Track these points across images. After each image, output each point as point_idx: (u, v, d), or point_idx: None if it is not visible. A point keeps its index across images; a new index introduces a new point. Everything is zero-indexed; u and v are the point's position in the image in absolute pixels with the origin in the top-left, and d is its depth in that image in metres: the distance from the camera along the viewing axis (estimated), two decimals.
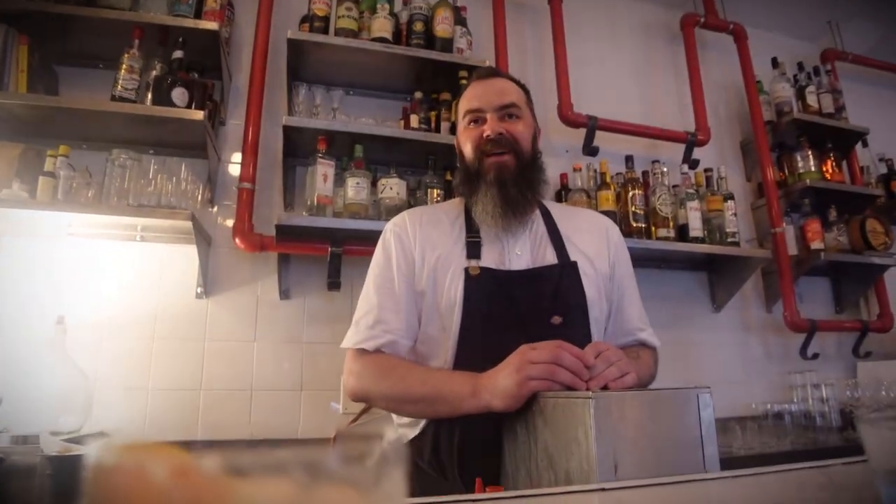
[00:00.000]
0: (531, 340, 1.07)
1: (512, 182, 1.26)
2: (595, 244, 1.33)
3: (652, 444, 0.94)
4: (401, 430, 1.32)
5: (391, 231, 1.34)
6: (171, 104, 1.92)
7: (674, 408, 0.96)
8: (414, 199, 2.11)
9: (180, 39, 2.02)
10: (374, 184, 2.06)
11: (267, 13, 2.27)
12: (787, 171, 2.94)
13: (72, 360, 1.89)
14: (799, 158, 2.86)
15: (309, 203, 1.97)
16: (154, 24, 2.00)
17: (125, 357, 1.97)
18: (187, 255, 2.03)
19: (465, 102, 1.36)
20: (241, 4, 2.34)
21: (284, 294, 2.08)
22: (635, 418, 0.93)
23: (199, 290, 2.02)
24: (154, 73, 2.00)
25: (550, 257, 1.27)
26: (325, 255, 1.99)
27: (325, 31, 2.20)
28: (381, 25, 2.22)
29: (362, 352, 1.22)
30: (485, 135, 1.29)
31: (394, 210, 2.00)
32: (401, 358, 1.23)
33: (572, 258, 1.27)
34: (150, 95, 1.97)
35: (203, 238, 2.00)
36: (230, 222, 2.09)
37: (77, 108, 1.88)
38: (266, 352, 2.06)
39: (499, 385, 1.04)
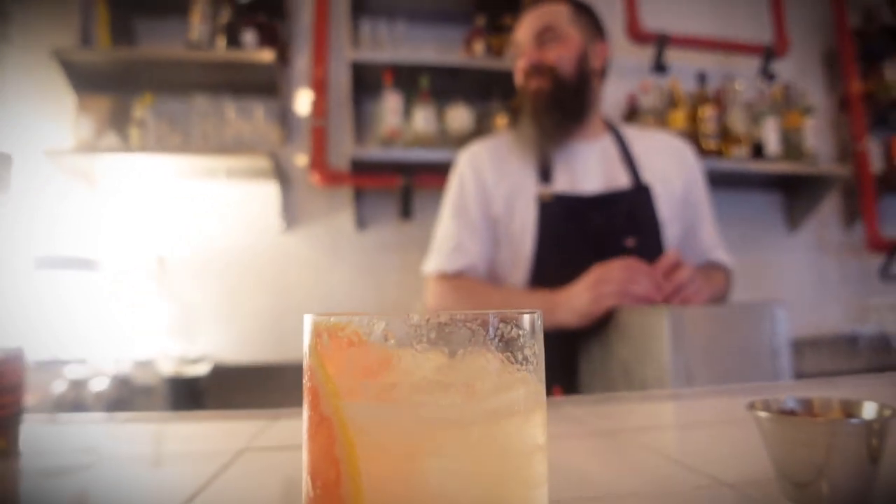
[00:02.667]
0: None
1: (546, 108, 1.27)
2: (669, 166, 1.34)
3: (725, 356, 0.99)
4: None
5: (465, 160, 1.39)
6: (242, 47, 2.00)
7: (747, 321, 1.00)
8: (480, 126, 2.13)
9: None
10: (441, 114, 2.10)
11: None
12: (875, 83, 2.74)
13: (173, 294, 2.09)
14: (887, 69, 2.66)
15: (379, 136, 2.03)
16: None
17: (220, 289, 2.16)
18: (269, 193, 2.15)
19: (515, 36, 1.38)
20: None
21: (360, 225, 2.19)
22: (709, 330, 0.97)
23: (281, 224, 2.16)
24: (224, 18, 2.07)
25: (623, 180, 1.29)
26: (398, 187, 2.07)
27: None
28: None
29: (443, 275, 1.30)
30: (522, 67, 1.32)
31: (462, 139, 2.03)
32: (480, 279, 1.30)
33: (646, 181, 1.29)
34: (222, 40, 2.05)
35: (282, 175, 2.11)
36: (306, 159, 2.19)
37: (156, 57, 1.99)
38: (344, 280, 2.20)
39: (574, 303, 1.10)
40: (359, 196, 2.17)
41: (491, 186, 1.33)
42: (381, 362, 0.24)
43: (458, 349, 0.24)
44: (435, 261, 1.32)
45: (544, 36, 1.28)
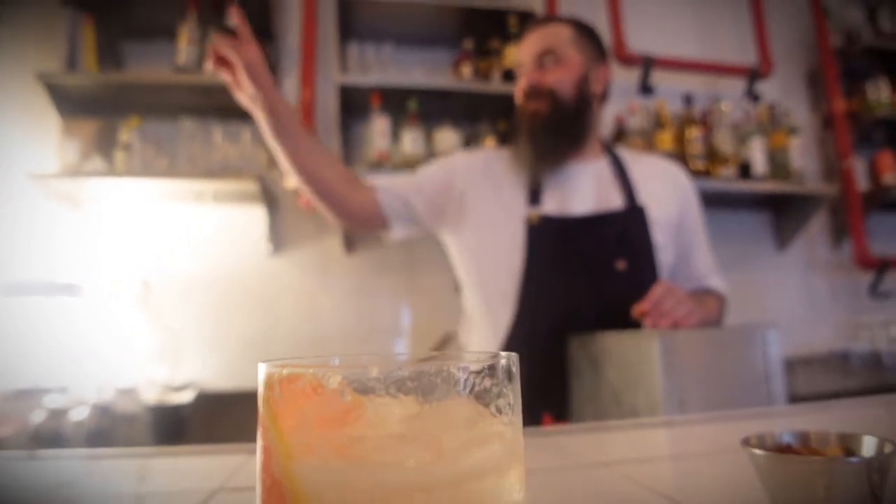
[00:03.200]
0: (596, 286, 1.10)
1: (542, 131, 1.27)
2: (665, 190, 1.33)
3: (718, 380, 0.97)
4: None
5: (459, 156, 1.42)
6: None
7: (739, 345, 0.98)
8: (468, 149, 2.13)
9: (235, 4, 2.06)
10: (429, 137, 2.09)
11: None
12: (858, 102, 2.78)
13: (159, 319, 2.05)
14: (870, 88, 2.69)
15: (368, 159, 2.02)
16: None
17: (206, 314, 2.12)
18: (256, 216, 2.13)
19: (514, 58, 1.40)
20: None
21: (349, 247, 2.17)
22: (700, 355, 0.96)
23: (269, 248, 2.13)
24: (211, 41, 2.06)
25: (616, 202, 1.28)
26: None
27: None
28: None
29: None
30: (524, 86, 1.32)
31: None
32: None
33: (640, 203, 1.28)
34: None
35: (270, 198, 2.09)
36: (293, 182, 2.18)
37: (143, 81, 1.98)
38: (334, 304, 2.17)
39: None
40: None
41: (459, 188, 1.33)
42: (340, 415, 0.21)
43: (426, 400, 0.22)
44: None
45: (545, 58, 1.28)
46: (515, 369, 0.25)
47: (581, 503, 0.49)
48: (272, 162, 2.18)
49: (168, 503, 0.53)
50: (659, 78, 2.47)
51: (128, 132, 2.00)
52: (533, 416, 1.13)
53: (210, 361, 2.10)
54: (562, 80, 1.28)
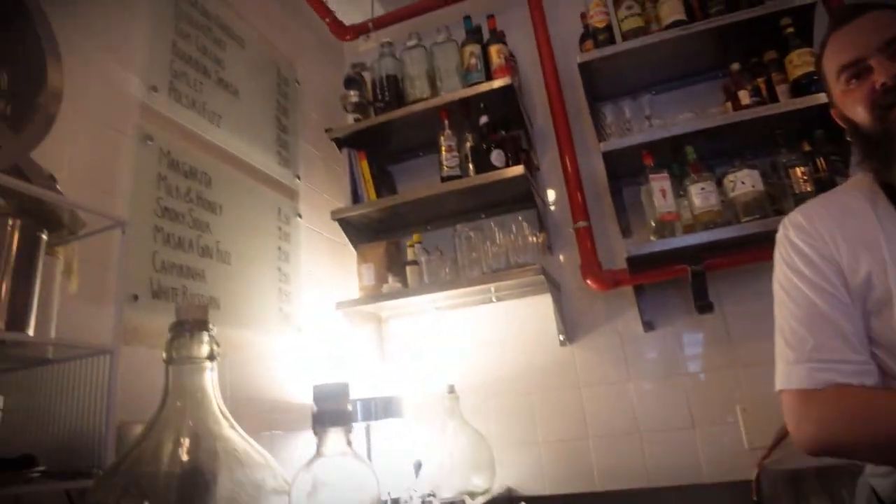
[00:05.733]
0: None
1: None
2: None
3: None
4: (873, 480, 1.04)
5: (791, 234, 1.08)
6: (492, 168, 2.00)
7: None
8: (773, 186, 1.78)
9: (481, 105, 2.10)
10: (718, 183, 1.81)
11: (547, 47, 2.24)
12: None
13: (469, 424, 2.03)
14: None
15: (652, 225, 1.81)
16: (456, 101, 2.11)
17: (510, 414, 2.07)
18: (541, 305, 2.05)
19: (833, 59, 1.05)
20: (518, 49, 2.35)
21: (648, 326, 1.94)
22: None
23: (560, 337, 2.02)
24: (468, 143, 2.11)
25: None
26: (685, 277, 1.80)
27: (611, 40, 2.05)
28: (671, 8, 1.99)
29: (810, 392, 0.98)
30: (876, 86, 0.97)
31: (753, 207, 1.71)
32: (870, 388, 0.95)
33: None
34: (471, 166, 2.08)
35: (553, 285, 2.00)
36: (571, 262, 2.07)
37: (417, 198, 2.08)
38: (643, 389, 1.94)
39: None
40: (641, 293, 1.93)
41: (845, 261, 1.00)
42: None
43: None
44: (791, 374, 1.00)
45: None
46: None
47: None
48: (548, 245, 2.11)
49: None
50: None
51: (412, 250, 2.11)
52: None
53: (521, 463, 2.02)
54: None
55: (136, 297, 1.39)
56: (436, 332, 2.25)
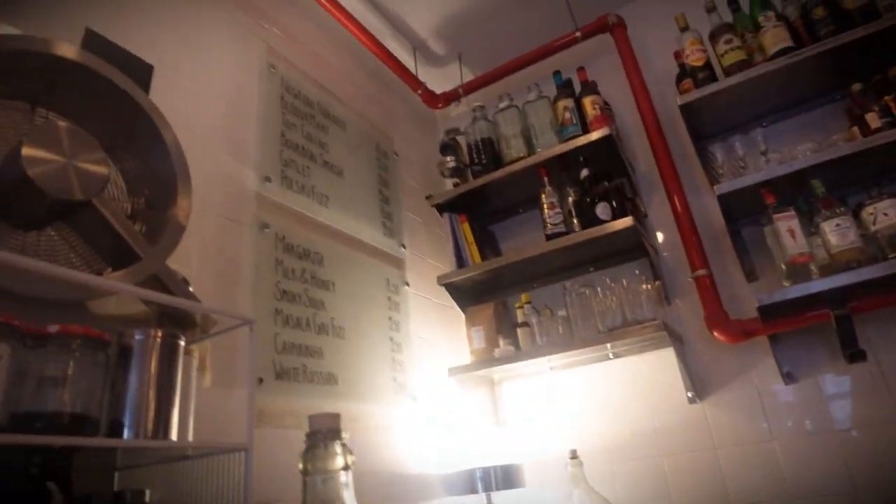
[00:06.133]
0: None
1: None
2: None
3: None
4: None
5: None
6: (598, 221, 1.94)
7: None
8: None
9: (581, 158, 2.06)
10: (854, 215, 1.64)
11: (643, 92, 2.18)
12: None
13: (595, 491, 1.91)
14: None
15: (783, 268, 1.66)
16: (554, 157, 2.09)
17: (639, 478, 1.93)
18: (662, 361, 1.93)
19: None
20: (612, 97, 2.31)
21: (788, 378, 1.76)
22: None
23: (689, 394, 1.87)
24: (570, 198, 2.07)
25: None
26: (828, 322, 1.62)
27: (713, 77, 1.96)
28: (775, 36, 1.87)
29: None
30: None
31: None
32: None
33: None
34: (575, 221, 2.03)
35: (675, 339, 1.87)
36: (692, 312, 1.94)
37: (523, 258, 2.05)
38: (791, 450, 1.74)
39: None
40: (776, 342, 1.76)
41: None
42: None
43: None
44: None
45: None
46: None
47: None
48: (665, 295, 2.00)
49: None
50: None
51: (522, 311, 2.07)
52: None
53: None
54: None
55: (260, 381, 1.44)
56: (550, 393, 2.17)
